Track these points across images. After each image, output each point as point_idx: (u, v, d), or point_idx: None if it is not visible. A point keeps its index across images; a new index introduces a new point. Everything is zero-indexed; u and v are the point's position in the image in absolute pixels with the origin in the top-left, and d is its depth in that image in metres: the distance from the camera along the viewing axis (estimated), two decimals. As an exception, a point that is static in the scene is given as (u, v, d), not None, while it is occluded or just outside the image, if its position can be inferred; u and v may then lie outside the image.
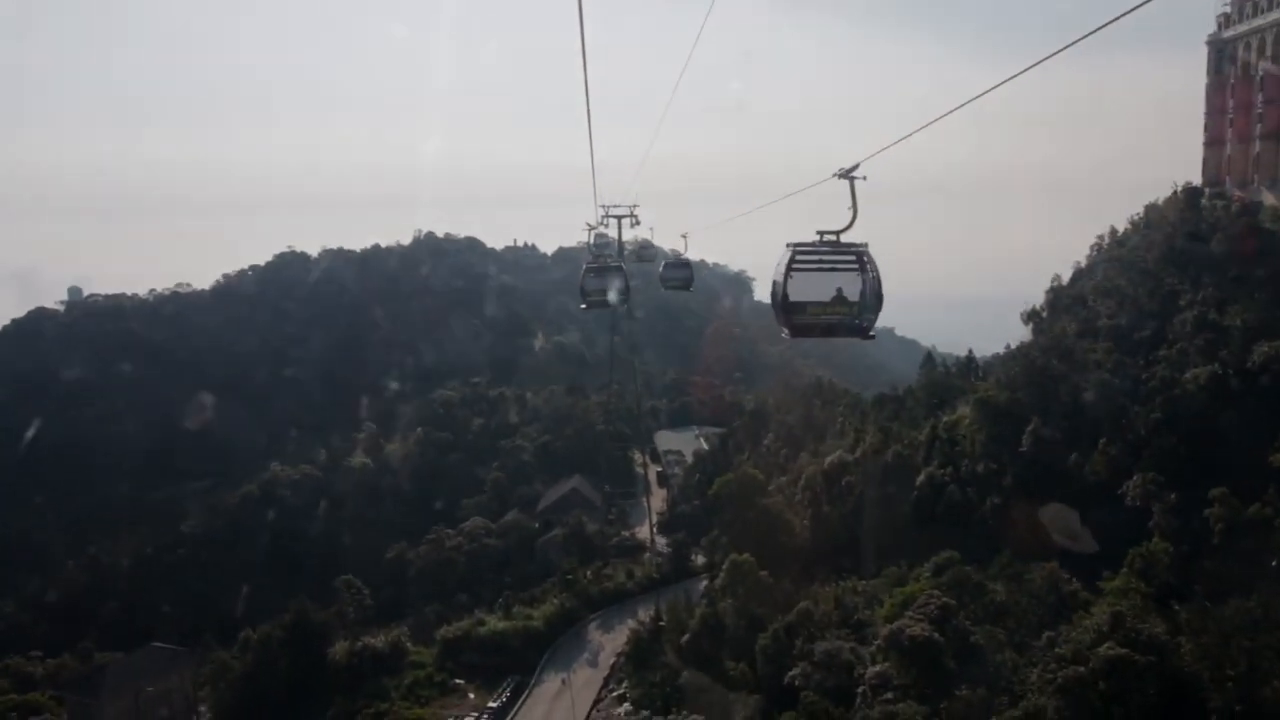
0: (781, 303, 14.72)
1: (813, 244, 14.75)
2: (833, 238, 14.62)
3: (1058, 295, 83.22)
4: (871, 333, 15.06)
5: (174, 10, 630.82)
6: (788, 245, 14.96)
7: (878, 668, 38.98)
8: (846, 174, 14.04)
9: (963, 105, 13.17)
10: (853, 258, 14.89)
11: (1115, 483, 52.46)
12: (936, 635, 37.40)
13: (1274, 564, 38.02)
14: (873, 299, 14.87)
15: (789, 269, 14.62)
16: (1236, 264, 62.72)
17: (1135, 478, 50.19)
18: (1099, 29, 9.48)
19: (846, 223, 14.54)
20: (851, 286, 14.85)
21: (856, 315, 14.96)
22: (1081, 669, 32.30)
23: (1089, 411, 58.16)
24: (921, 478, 64.04)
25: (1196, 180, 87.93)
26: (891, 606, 46.28)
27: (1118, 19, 9.32)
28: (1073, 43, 9.89)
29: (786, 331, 15.09)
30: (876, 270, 14.71)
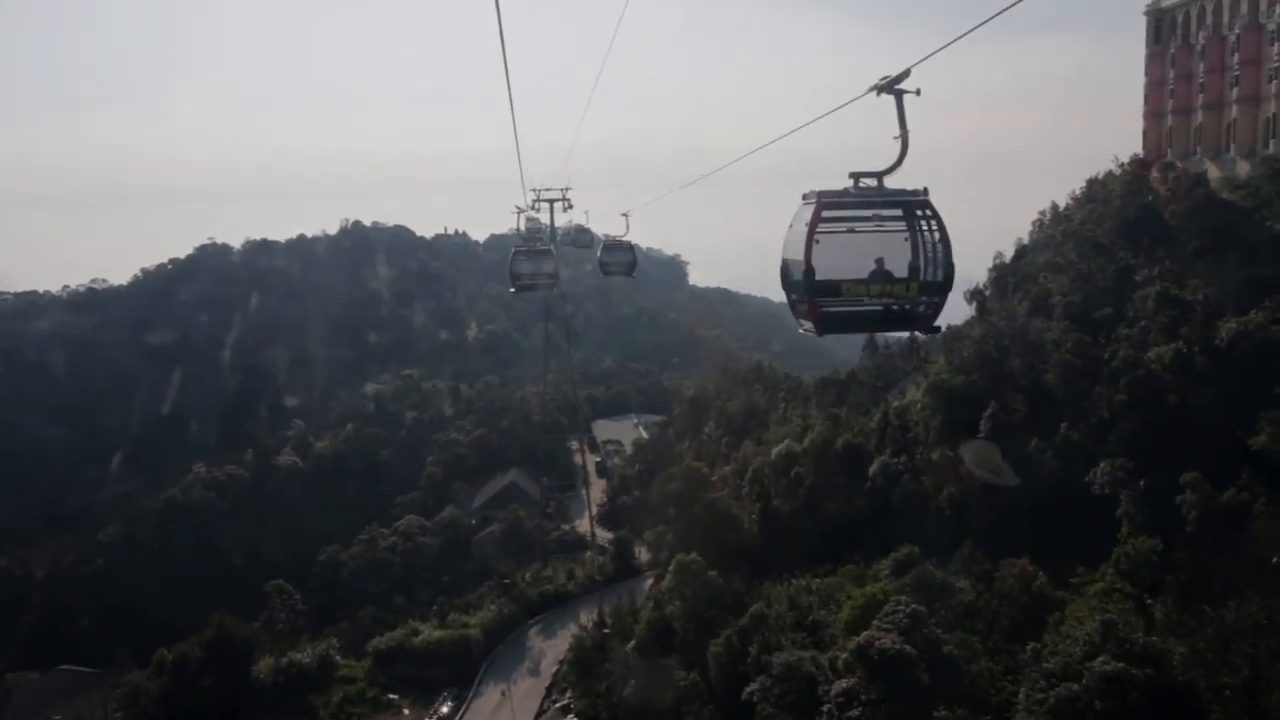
0: (804, 283, 10.52)
1: (845, 191, 10.68)
2: (872, 182, 10.58)
3: (1002, 273, 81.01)
4: (937, 323, 11.07)
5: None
6: (807, 196, 10.68)
7: (844, 683, 35.99)
8: (890, 86, 9.87)
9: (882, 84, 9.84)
10: (904, 211, 10.81)
11: (1080, 469, 50.09)
12: (907, 647, 34.48)
13: (1276, 561, 35.43)
14: (938, 272, 10.81)
15: (812, 231, 10.41)
16: (1196, 236, 60.68)
17: (1102, 464, 47.78)
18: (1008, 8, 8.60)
19: (894, 160, 10.41)
20: (897, 254, 10.88)
21: (914, 298, 10.91)
22: (1074, 686, 29.50)
23: (1048, 394, 55.84)
24: (875, 467, 61.37)
25: (1134, 154, 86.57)
26: (852, 609, 43.35)
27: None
28: (985, 21, 9.01)
29: (810, 325, 10.91)
30: (943, 229, 10.65)
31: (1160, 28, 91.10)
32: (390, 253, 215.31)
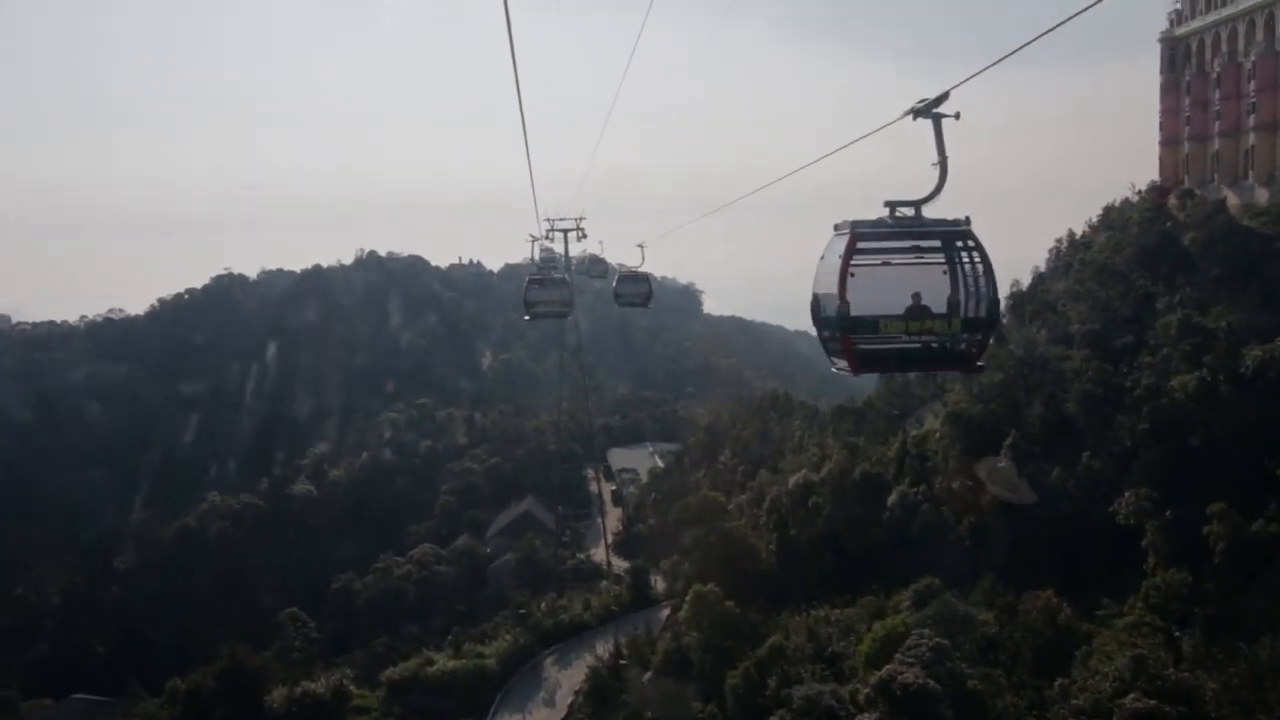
0: (838, 320, 10.05)
1: (881, 221, 10.26)
2: (908, 212, 10.17)
3: (1019, 301, 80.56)
4: (981, 362, 10.64)
5: (95, 24, 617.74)
6: (840, 227, 10.26)
7: (866, 718, 35.37)
8: (928, 110, 9.56)
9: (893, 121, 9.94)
10: (943, 242, 10.36)
11: (1102, 498, 49.47)
12: (931, 682, 33.85)
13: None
14: (981, 307, 10.30)
15: (847, 264, 9.97)
16: (1218, 264, 60.19)
17: (1127, 494, 47.16)
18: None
19: (932, 188, 10.04)
20: (935, 288, 10.43)
21: (955, 335, 10.38)
22: (1105, 725, 28.91)
23: (1069, 423, 55.26)
24: (893, 497, 60.75)
25: (1151, 181, 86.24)
26: (872, 642, 42.74)
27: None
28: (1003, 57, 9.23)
29: (845, 364, 10.41)
30: (986, 261, 10.15)
31: (1174, 56, 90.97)
32: (405, 282, 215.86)
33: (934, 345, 10.47)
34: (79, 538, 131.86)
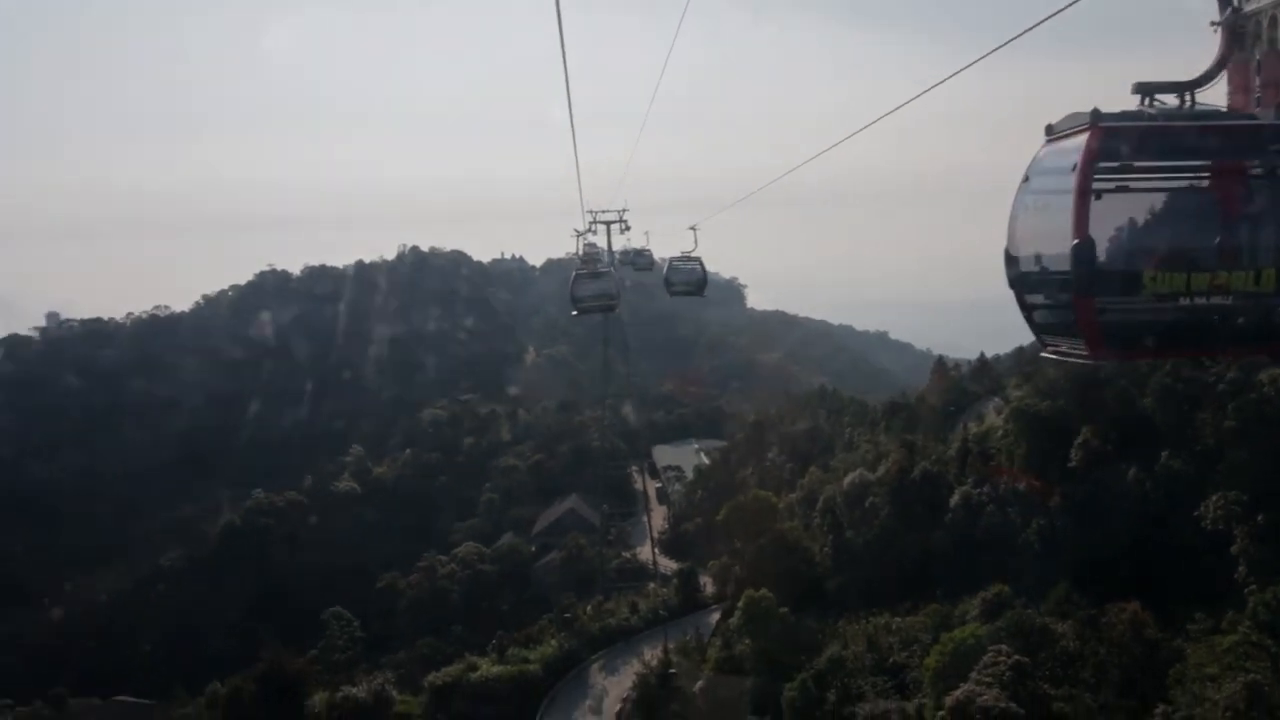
0: (1076, 272, 6.81)
1: (1138, 114, 7.24)
2: (1169, 101, 7.30)
3: (1083, 292, 77.20)
4: None
5: (141, 28, 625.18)
6: (1059, 129, 7.26)
7: (940, 742, 32.90)
8: None
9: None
10: (1247, 145, 7.39)
11: (1184, 502, 46.36)
12: (1013, 705, 31.21)
13: None
14: None
15: (1088, 178, 6.81)
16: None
17: (1215, 497, 44.01)
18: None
19: (1212, 63, 7.60)
20: (1204, 224, 7.17)
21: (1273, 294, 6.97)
22: (1216, 760, 26.20)
23: (1145, 421, 52.14)
24: (956, 498, 57.84)
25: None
26: (940, 655, 40.11)
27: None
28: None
29: (1074, 345, 7.25)
30: None
31: (1242, 36, 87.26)
32: (447, 278, 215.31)
33: (1238, 313, 7.23)
34: (124, 532, 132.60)
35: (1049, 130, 7.38)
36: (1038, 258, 7.48)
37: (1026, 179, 7.50)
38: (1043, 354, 8.16)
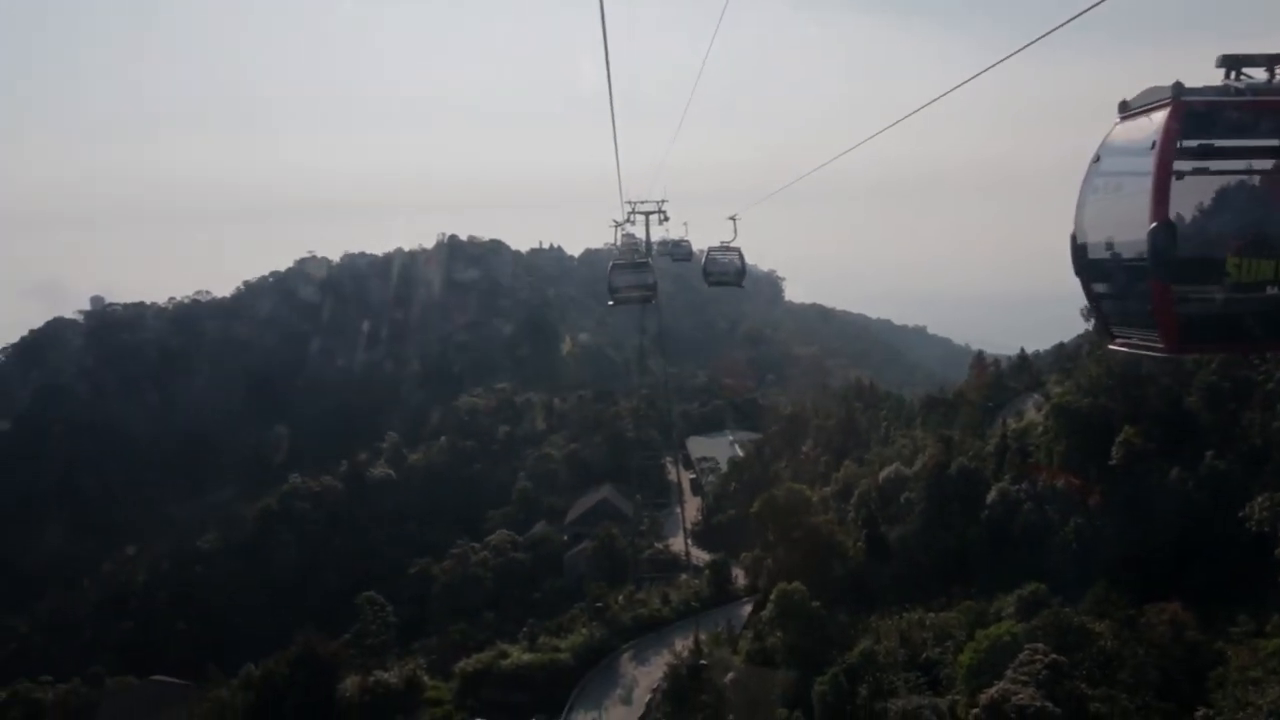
0: (1155, 257, 6.29)
1: (1225, 89, 6.60)
2: (1257, 75, 6.56)
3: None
4: None
5: (189, 17, 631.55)
6: (1135, 105, 6.76)
7: (974, 741, 32.42)
8: None
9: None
10: None
11: (1230, 502, 45.41)
12: (1049, 705, 30.70)
13: None
14: None
15: (1169, 157, 6.35)
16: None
17: (1260, 498, 43.06)
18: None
19: None
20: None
21: None
22: (1260, 768, 25.60)
23: (1190, 419, 51.17)
24: (993, 494, 57.08)
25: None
26: (974, 652, 39.60)
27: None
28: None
29: (1148, 337, 6.81)
30: None
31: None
32: (486, 267, 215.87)
33: None
34: (163, 513, 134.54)
35: (1123, 107, 6.86)
36: (1109, 243, 6.97)
37: (1097, 159, 7.02)
38: (1110, 347, 7.54)
